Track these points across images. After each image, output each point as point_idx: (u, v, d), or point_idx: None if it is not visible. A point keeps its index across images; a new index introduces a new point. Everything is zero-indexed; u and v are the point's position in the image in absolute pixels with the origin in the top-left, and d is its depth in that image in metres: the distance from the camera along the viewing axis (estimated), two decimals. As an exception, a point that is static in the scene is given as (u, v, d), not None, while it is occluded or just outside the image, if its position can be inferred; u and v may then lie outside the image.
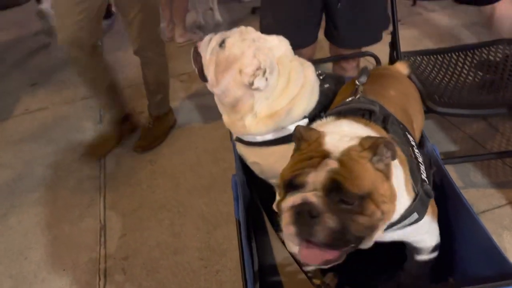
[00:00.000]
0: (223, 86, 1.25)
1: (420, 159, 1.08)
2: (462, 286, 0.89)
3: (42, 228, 2.12)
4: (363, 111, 1.07)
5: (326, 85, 1.36)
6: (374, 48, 1.94)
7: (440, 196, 1.24)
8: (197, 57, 1.33)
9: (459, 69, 2.01)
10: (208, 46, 1.29)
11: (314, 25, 1.87)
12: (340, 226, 0.82)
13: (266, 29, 1.92)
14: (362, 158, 0.86)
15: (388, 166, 0.88)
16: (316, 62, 1.90)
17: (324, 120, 1.09)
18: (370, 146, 0.86)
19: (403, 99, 1.28)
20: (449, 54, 2.09)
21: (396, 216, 0.94)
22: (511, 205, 1.92)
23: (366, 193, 0.83)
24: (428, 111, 1.72)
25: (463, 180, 2.06)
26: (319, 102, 1.32)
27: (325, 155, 0.87)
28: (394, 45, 1.98)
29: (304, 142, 0.93)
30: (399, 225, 0.98)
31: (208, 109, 2.82)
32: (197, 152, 2.48)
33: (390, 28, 2.02)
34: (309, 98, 1.31)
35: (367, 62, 2.83)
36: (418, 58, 2.08)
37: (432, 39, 3.32)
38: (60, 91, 3.33)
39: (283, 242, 1.30)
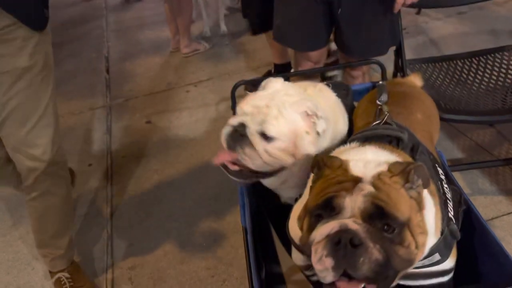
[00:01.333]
0: (301, 156, 1.15)
1: (449, 195, 1.00)
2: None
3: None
4: (390, 138, 1.00)
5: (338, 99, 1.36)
6: (379, 57, 1.94)
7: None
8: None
9: (465, 75, 2.01)
10: (245, 156, 1.12)
11: (322, 28, 1.87)
12: (385, 257, 0.74)
13: (277, 29, 1.95)
14: (395, 183, 0.79)
15: (420, 194, 0.82)
16: (322, 69, 1.92)
17: (347, 145, 1.03)
18: (401, 171, 0.80)
19: (428, 123, 1.21)
20: (455, 61, 2.09)
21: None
22: (520, 212, 1.91)
23: (406, 219, 0.76)
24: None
25: (471, 187, 2.04)
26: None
27: (357, 180, 0.79)
28: (399, 52, 1.98)
29: (327, 169, 0.86)
30: (418, 265, 0.88)
31: (214, 120, 2.84)
32: (203, 161, 2.49)
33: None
34: (344, 118, 1.32)
35: (371, 69, 2.84)
36: (424, 66, 2.08)
37: (437, 47, 3.32)
38: (68, 102, 3.36)
39: (288, 251, 1.29)
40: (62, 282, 1.78)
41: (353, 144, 1.02)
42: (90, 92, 3.39)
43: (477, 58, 2.07)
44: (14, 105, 1.41)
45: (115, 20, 4.67)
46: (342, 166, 0.84)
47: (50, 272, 1.83)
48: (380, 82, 1.70)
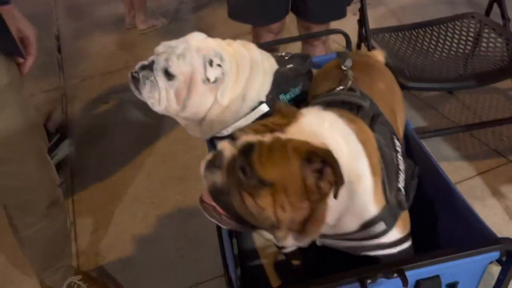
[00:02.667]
0: (192, 106, 1.18)
1: (402, 167, 1.01)
2: (446, 255, 0.88)
3: (7, 227, 2.01)
4: (352, 105, 1.01)
5: (289, 65, 1.29)
6: (341, 28, 1.92)
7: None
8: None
9: (427, 44, 2.03)
10: (150, 89, 1.17)
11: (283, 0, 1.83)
12: (223, 186, 0.81)
13: (234, 6, 1.88)
14: (296, 156, 0.80)
15: (320, 188, 0.82)
16: (285, 41, 1.88)
17: (309, 108, 1.02)
18: (306, 152, 0.80)
19: (390, 95, 1.21)
20: (417, 30, 2.10)
21: (354, 225, 0.91)
22: (481, 176, 1.97)
23: (266, 180, 0.78)
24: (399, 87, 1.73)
25: (435, 154, 2.03)
26: (276, 85, 1.25)
27: (276, 131, 0.84)
28: (362, 22, 1.96)
29: (278, 114, 0.90)
30: (363, 234, 0.93)
31: (176, 97, 2.76)
32: (167, 142, 2.41)
33: (356, 5, 2.00)
34: (262, 80, 1.24)
35: (335, 43, 2.82)
36: (387, 35, 2.08)
37: (397, 17, 3.34)
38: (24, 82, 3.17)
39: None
40: (75, 286, 1.63)
41: (315, 108, 1.00)
42: (41, 73, 3.19)
43: (439, 26, 2.09)
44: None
45: (63, -4, 4.40)
46: (292, 118, 0.88)
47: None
48: (345, 51, 1.70)
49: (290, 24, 2.06)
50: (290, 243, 0.90)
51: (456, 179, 1.95)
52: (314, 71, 1.41)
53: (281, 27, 1.94)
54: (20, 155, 1.23)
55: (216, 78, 1.15)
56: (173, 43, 1.17)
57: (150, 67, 1.16)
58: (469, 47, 1.98)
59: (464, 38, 2.02)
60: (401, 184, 0.98)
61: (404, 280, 0.84)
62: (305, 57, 1.39)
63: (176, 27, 3.64)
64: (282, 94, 1.26)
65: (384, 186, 0.92)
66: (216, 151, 0.84)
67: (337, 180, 0.79)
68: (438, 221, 1.19)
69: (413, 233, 1.26)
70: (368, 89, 1.11)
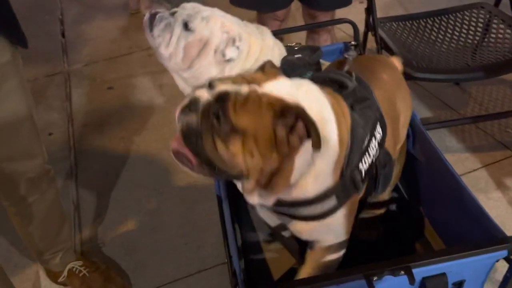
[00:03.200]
0: (196, 69, 1.20)
1: (372, 152, 1.01)
2: (453, 253, 0.88)
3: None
4: (337, 82, 1.01)
5: (298, 55, 1.29)
6: (347, 16, 1.89)
7: (424, 161, 1.24)
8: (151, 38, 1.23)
9: (435, 34, 2.01)
10: (163, 28, 1.18)
11: None
12: (197, 128, 0.83)
13: None
14: (269, 108, 0.83)
15: (291, 141, 0.84)
16: (291, 31, 1.86)
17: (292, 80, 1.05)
18: (281, 106, 0.83)
19: (394, 87, 1.19)
20: (425, 20, 2.08)
21: (312, 191, 0.92)
22: (486, 168, 1.96)
23: (239, 128, 0.81)
24: (406, 77, 1.71)
25: (439, 146, 2.02)
26: (282, 70, 1.25)
27: (253, 83, 0.86)
28: (369, 10, 1.94)
29: (259, 71, 0.93)
30: (315, 210, 0.95)
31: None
32: (172, 128, 2.39)
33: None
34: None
35: (341, 31, 2.79)
36: (394, 24, 2.06)
37: (403, 6, 3.30)
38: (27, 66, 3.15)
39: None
40: (77, 271, 1.63)
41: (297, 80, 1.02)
42: (45, 57, 3.18)
43: (447, 16, 2.07)
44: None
45: (67, -20, 4.35)
46: (271, 76, 0.89)
47: (55, 272, 1.66)
48: (353, 42, 1.68)
49: (296, 12, 2.03)
50: (256, 199, 0.92)
51: (460, 171, 1.94)
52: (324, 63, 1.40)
53: (287, 14, 1.92)
54: (14, 123, 1.25)
55: (231, 58, 1.17)
56: (200, 6, 1.20)
57: (171, 13, 1.19)
58: (477, 38, 1.95)
59: (472, 28, 2.00)
60: (363, 166, 0.98)
61: (411, 278, 0.84)
62: (315, 49, 1.37)
63: (180, 13, 3.61)
64: None
65: (344, 160, 0.94)
66: (192, 97, 0.86)
67: (315, 132, 0.82)
68: (444, 213, 1.18)
69: (420, 224, 1.27)
70: (368, 76, 1.11)
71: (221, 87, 0.85)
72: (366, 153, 0.98)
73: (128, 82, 2.84)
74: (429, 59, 1.84)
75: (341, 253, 1.08)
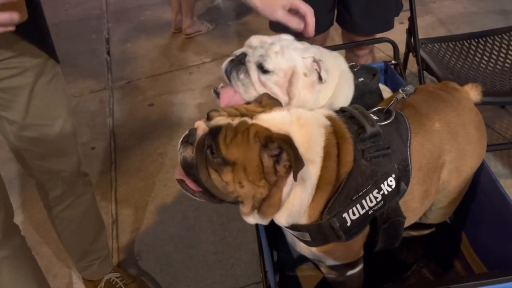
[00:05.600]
0: (298, 97, 1.15)
1: (369, 204, 0.93)
2: (494, 277, 0.84)
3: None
4: (357, 122, 0.97)
5: (361, 79, 1.26)
6: (387, 35, 1.87)
7: (475, 183, 1.19)
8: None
9: (480, 56, 1.95)
10: (242, 79, 1.14)
11: (328, 10, 1.81)
12: (192, 161, 0.89)
13: (275, 21, 1.87)
14: (255, 140, 0.87)
15: (277, 170, 0.87)
16: (330, 49, 1.86)
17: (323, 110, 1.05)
18: (267, 136, 0.87)
19: (444, 138, 1.04)
20: (469, 41, 2.03)
21: (283, 221, 0.95)
22: (534, 195, 1.87)
23: (229, 159, 0.86)
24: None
25: None
26: (359, 97, 1.22)
27: (246, 116, 0.91)
28: (411, 31, 1.91)
29: (255, 103, 0.98)
30: (295, 233, 0.99)
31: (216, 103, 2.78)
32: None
33: (403, 13, 1.95)
34: (348, 89, 1.23)
35: (380, 52, 2.77)
36: (437, 45, 2.02)
37: (446, 27, 3.24)
38: (68, 84, 3.29)
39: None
40: (114, 283, 1.66)
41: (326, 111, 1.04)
42: (90, 74, 3.32)
43: (491, 38, 2.01)
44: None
45: (115, 1, 4.55)
46: (267, 106, 0.95)
47: (91, 281, 1.70)
48: (393, 62, 1.65)
49: (334, 33, 2.03)
50: (252, 221, 0.96)
51: (506, 197, 1.86)
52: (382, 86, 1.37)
53: (325, 38, 1.92)
54: (56, 124, 1.31)
55: (324, 79, 1.14)
56: (268, 39, 1.17)
57: (240, 60, 1.15)
58: (524, 60, 1.89)
59: (518, 50, 1.94)
60: (349, 216, 0.92)
61: None
62: (373, 71, 1.33)
63: (220, 33, 3.69)
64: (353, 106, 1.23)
65: (327, 204, 0.92)
66: (192, 128, 0.92)
67: (293, 164, 0.84)
68: (490, 238, 1.14)
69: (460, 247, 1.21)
70: (418, 120, 1.03)
71: (216, 120, 0.91)
72: (358, 204, 0.93)
73: (168, 99, 2.91)
74: (473, 82, 1.79)
75: (357, 269, 1.09)
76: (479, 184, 1.19)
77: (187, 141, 0.91)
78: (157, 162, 2.38)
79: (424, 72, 1.88)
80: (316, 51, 1.17)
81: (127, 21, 4.11)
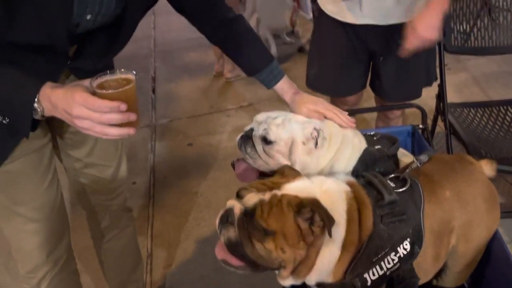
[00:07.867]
0: (299, 162, 1.29)
1: (387, 266, 1.03)
2: None
3: (92, 253, 2.23)
4: (376, 188, 1.08)
5: (377, 146, 1.34)
6: (419, 100, 1.97)
7: (488, 251, 1.24)
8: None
9: (508, 123, 2.01)
10: (250, 152, 1.31)
11: (361, 74, 1.92)
12: (237, 240, 0.97)
13: (313, 78, 2.00)
14: (289, 208, 0.97)
15: (313, 231, 0.97)
16: (360, 111, 1.96)
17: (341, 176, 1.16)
18: (299, 203, 0.97)
19: (455, 207, 1.13)
20: (498, 107, 2.09)
21: (312, 280, 1.03)
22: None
23: (269, 230, 0.95)
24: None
25: (509, 235, 2.02)
26: (363, 161, 1.31)
27: (273, 188, 1.01)
28: (440, 97, 2.01)
29: (278, 175, 1.09)
30: None
31: (254, 145, 2.92)
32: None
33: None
34: (350, 154, 1.32)
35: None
36: (465, 110, 2.09)
37: (480, 85, 3.30)
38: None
39: None
40: None
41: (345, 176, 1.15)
42: (136, 110, 3.54)
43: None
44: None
45: (162, 41, 4.86)
46: (290, 178, 1.05)
47: None
48: (421, 126, 1.74)
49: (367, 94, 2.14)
50: (288, 282, 1.04)
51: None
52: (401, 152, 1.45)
53: (358, 99, 2.02)
54: (111, 162, 1.48)
55: (320, 145, 1.28)
56: (273, 114, 1.33)
57: (248, 135, 1.31)
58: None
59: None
60: (369, 276, 1.02)
61: None
62: (393, 140, 1.41)
63: (259, 78, 3.86)
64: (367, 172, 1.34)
65: (350, 264, 1.01)
66: (227, 208, 1.01)
67: (326, 222, 0.94)
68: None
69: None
70: (431, 187, 1.13)
71: (248, 197, 1.00)
72: (377, 265, 1.03)
73: (206, 140, 3.08)
74: (499, 149, 1.85)
75: None
76: (491, 252, 1.24)
77: (226, 221, 1.00)
78: (192, 201, 2.52)
79: (452, 135, 1.96)
80: (318, 122, 1.31)
81: (172, 62, 4.38)
